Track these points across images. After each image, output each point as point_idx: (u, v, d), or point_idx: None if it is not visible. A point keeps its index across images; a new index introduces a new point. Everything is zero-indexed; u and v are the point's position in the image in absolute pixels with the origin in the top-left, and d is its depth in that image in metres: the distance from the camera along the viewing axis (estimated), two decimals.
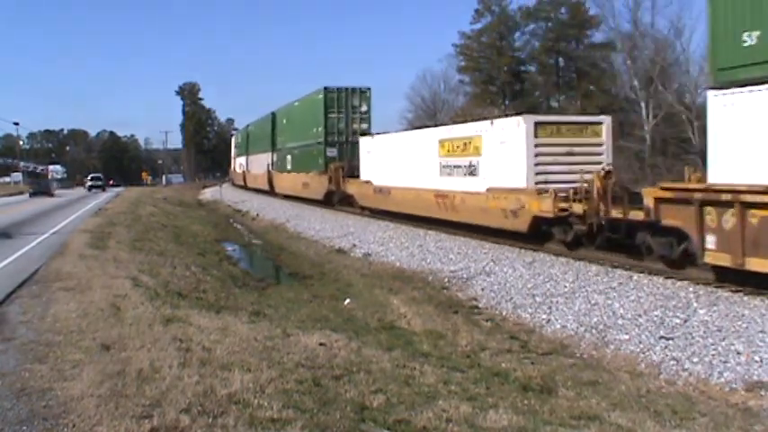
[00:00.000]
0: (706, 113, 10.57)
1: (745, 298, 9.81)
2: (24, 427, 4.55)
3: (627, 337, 9.30)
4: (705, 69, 38.36)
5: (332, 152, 29.27)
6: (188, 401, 4.99)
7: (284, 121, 38.36)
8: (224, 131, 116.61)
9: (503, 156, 15.50)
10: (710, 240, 10.15)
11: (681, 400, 7.22)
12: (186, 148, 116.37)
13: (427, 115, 58.92)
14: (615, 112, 29.17)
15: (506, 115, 19.29)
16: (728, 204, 9.72)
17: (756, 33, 9.36)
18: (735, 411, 6.85)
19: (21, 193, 54.71)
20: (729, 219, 9.74)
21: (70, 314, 8.14)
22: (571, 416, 5.97)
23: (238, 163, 58.75)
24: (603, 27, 46.72)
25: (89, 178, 70.82)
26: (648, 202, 11.49)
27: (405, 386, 6.09)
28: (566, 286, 11.93)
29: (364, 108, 30.03)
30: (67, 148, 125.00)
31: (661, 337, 8.99)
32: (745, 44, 9.50)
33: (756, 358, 7.86)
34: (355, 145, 27.24)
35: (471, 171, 16.92)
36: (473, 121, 19.47)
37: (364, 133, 27.90)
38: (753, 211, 9.40)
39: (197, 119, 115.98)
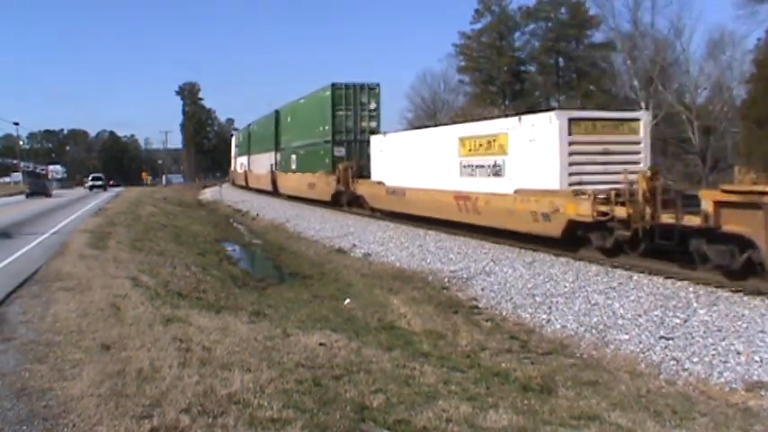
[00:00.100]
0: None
1: (745, 298, 9.81)
2: (24, 427, 4.55)
3: (627, 337, 9.30)
4: (705, 69, 38.47)
5: (339, 151, 28.11)
6: (188, 401, 4.99)
7: (288, 119, 37.32)
8: (224, 131, 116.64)
9: (532, 155, 14.40)
10: None
11: (681, 400, 7.22)
12: (186, 148, 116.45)
13: (427, 115, 59.03)
14: (615, 112, 29.10)
15: (536, 111, 17.92)
16: None
17: None
18: (735, 411, 6.85)
19: (21, 193, 54.60)
20: None
21: (70, 314, 8.14)
22: (571, 416, 5.97)
23: (239, 163, 58.05)
24: (603, 27, 46.88)
25: (90, 178, 70.94)
26: (707, 206, 10.47)
27: (405, 386, 6.10)
28: (566, 286, 11.93)
29: (373, 105, 28.73)
30: (67, 148, 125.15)
31: (661, 337, 8.99)
32: None
33: (756, 358, 7.86)
34: (363, 144, 26.39)
35: (496, 171, 15.81)
36: (497, 117, 18.29)
37: (373, 132, 26.73)
38: None
39: (197, 119, 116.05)
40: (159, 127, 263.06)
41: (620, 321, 9.87)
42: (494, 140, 15.94)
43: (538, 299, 11.63)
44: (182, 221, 28.20)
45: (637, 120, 14.63)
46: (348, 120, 28.29)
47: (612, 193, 12.38)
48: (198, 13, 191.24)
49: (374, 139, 24.70)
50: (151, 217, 27.12)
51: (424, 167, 19.68)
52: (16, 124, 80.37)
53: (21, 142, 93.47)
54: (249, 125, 54.40)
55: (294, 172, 35.02)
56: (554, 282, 12.31)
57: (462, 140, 17.43)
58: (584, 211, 12.77)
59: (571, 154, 13.60)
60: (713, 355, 8.19)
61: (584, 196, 12.88)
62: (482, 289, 12.89)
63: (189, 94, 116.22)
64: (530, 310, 11.18)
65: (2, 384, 5.46)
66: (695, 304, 9.84)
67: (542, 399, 6.61)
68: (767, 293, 9.71)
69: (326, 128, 28.73)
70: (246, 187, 51.80)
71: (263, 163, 44.19)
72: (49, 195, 48.40)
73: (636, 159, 13.81)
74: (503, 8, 58.53)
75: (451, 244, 17.23)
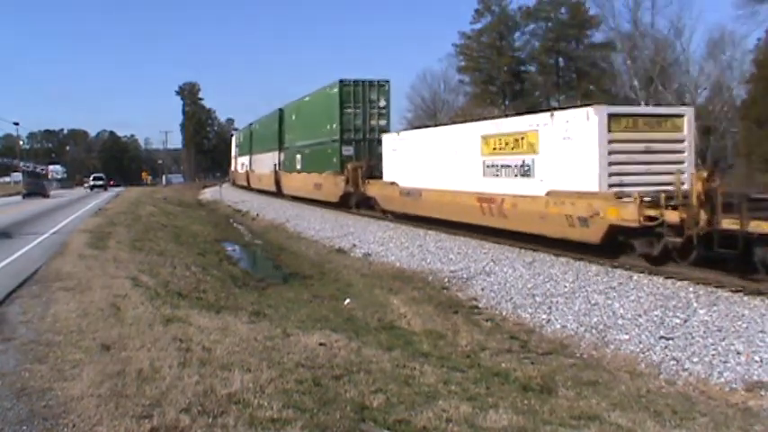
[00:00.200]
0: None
1: (745, 298, 9.81)
2: (24, 427, 4.55)
3: (627, 337, 9.30)
4: (705, 69, 38.52)
5: (348, 150, 26.80)
6: (188, 401, 4.99)
7: (293, 117, 36.05)
8: (224, 131, 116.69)
9: (566, 154, 13.31)
10: None
11: (681, 400, 7.22)
12: (186, 148, 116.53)
13: (427, 115, 59.08)
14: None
15: (570, 106, 16.64)
16: None
17: None
18: (735, 411, 6.85)
19: (19, 193, 54.61)
20: None
21: (70, 314, 8.15)
22: (571, 416, 5.97)
23: (240, 163, 57.33)
24: (603, 27, 46.96)
25: (91, 178, 71.14)
26: None
27: (405, 386, 6.10)
28: (566, 286, 11.93)
29: (383, 102, 27.46)
30: (67, 148, 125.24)
31: (661, 337, 8.99)
32: None
33: (756, 358, 7.86)
34: (373, 143, 25.54)
35: (524, 172, 14.68)
36: (526, 114, 16.96)
37: (383, 130, 25.88)
38: None
39: (197, 119, 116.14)
40: (159, 127, 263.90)
41: (620, 321, 9.87)
42: (522, 138, 14.84)
43: (538, 299, 11.63)
44: (182, 221, 28.20)
45: (681, 116, 13.46)
46: (357, 118, 27.04)
47: (663, 195, 11.25)
48: (198, 13, 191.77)
49: (386, 137, 23.63)
50: (151, 217, 27.12)
51: (442, 167, 18.59)
52: (16, 124, 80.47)
53: (21, 142, 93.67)
54: (251, 124, 53.37)
55: (299, 172, 33.92)
56: (554, 282, 12.31)
57: (486, 138, 16.33)
58: (628, 215, 11.64)
59: (611, 153, 12.52)
60: (713, 355, 8.19)
61: (628, 199, 11.78)
62: (482, 289, 12.89)
63: (189, 94, 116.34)
64: (530, 310, 11.18)
65: (2, 384, 5.46)
66: (695, 304, 9.84)
67: (542, 399, 6.61)
68: (767, 293, 9.72)
69: (334, 126, 27.48)
70: (248, 188, 51.09)
71: (265, 163, 43.17)
72: (46, 196, 47.55)
73: (680, 159, 12.90)
74: (503, 8, 58.62)
75: (451, 244, 17.23)
